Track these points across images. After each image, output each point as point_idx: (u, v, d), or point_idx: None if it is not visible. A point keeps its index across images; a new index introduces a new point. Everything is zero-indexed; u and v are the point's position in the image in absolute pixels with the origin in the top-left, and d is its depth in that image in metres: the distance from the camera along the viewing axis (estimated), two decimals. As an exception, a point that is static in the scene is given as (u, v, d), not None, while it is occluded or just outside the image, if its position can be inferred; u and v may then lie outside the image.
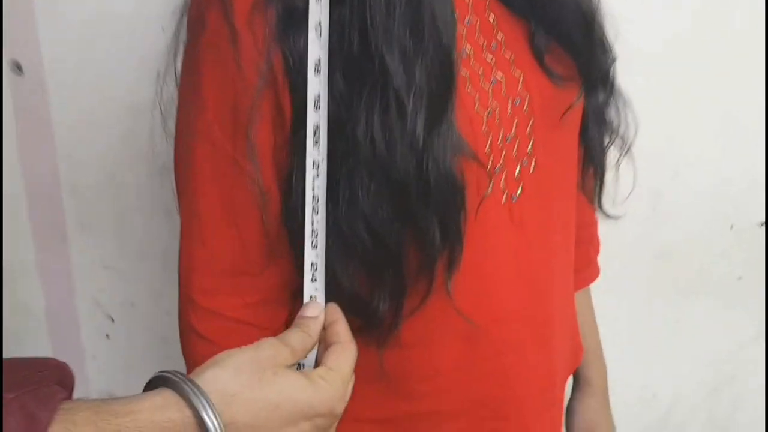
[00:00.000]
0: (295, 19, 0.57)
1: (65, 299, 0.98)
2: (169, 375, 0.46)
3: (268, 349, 0.50)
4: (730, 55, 1.00)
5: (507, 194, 0.65)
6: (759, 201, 1.08)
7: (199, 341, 0.64)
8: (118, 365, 1.03)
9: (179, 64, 0.65)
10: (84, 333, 0.99)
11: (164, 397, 0.45)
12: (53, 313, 0.99)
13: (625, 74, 0.75)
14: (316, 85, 0.56)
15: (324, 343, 0.56)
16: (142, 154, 0.90)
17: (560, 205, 0.73)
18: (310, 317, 0.56)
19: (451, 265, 0.60)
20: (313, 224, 0.56)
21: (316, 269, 0.57)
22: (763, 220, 1.08)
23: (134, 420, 0.43)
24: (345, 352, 0.54)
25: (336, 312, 0.57)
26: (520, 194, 0.66)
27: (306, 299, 0.58)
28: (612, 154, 0.77)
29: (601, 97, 0.73)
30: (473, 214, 0.61)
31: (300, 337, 0.53)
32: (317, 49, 0.56)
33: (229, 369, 0.48)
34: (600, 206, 0.79)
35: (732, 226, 1.08)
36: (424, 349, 0.66)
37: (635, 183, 0.90)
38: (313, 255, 0.57)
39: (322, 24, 0.55)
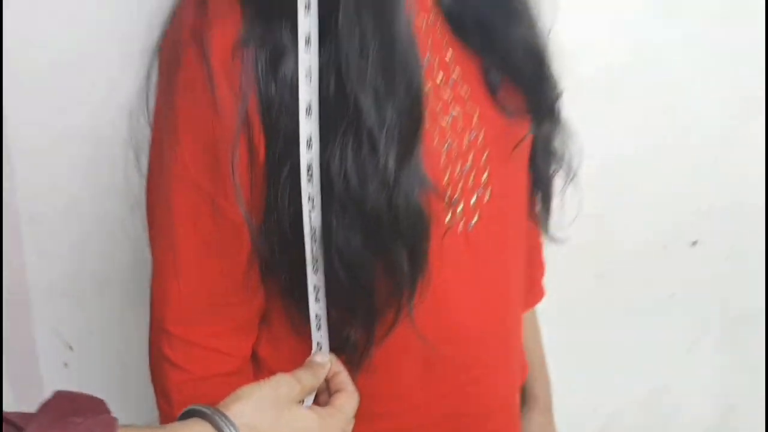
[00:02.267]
0: (271, 62, 0.60)
1: (23, 327, 0.98)
2: (203, 409, 0.53)
3: (285, 386, 0.58)
4: (666, 84, 1.08)
5: (464, 222, 0.70)
6: (690, 222, 1.15)
7: (171, 369, 0.67)
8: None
9: (151, 103, 0.67)
10: (42, 361, 0.99)
11: (202, 426, 0.52)
12: (10, 342, 0.98)
13: (570, 104, 0.81)
14: (308, 126, 0.60)
15: (329, 389, 0.64)
16: (103, 184, 0.91)
17: (513, 231, 0.78)
18: (319, 363, 0.63)
19: (416, 291, 0.64)
20: (313, 252, 0.62)
21: (320, 320, 0.64)
22: (695, 239, 1.16)
23: None
24: (350, 399, 0.63)
25: (339, 364, 0.65)
26: (476, 222, 0.71)
27: (314, 346, 0.65)
28: (558, 181, 0.83)
29: (548, 128, 0.78)
30: (437, 243, 0.65)
31: (311, 378, 0.62)
32: (307, 91, 0.60)
33: (251, 403, 0.55)
34: (546, 231, 0.84)
35: (665, 246, 1.15)
36: (387, 371, 0.70)
37: (580, 208, 0.96)
38: (317, 308, 0.64)
39: (312, 38, 0.59)
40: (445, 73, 0.70)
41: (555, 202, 0.83)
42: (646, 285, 1.17)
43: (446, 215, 0.68)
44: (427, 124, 0.66)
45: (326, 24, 0.59)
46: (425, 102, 0.63)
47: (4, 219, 0.93)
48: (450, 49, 0.72)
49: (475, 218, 0.70)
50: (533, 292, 0.93)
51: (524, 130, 0.73)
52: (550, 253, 0.92)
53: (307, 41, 0.59)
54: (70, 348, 1.01)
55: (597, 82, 1.04)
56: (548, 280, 0.94)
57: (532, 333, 0.94)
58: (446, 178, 0.68)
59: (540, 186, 0.81)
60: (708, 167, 1.12)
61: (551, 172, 0.81)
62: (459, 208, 0.69)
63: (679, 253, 1.16)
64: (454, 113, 0.69)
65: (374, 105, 0.60)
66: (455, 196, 0.69)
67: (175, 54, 0.62)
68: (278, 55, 0.60)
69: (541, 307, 0.93)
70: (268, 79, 0.60)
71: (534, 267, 0.91)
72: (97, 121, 0.88)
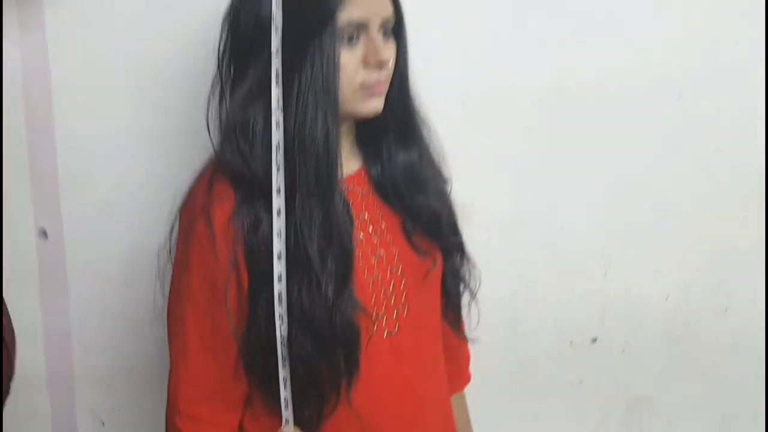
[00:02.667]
0: (253, 228, 0.88)
1: (66, 406, 1.27)
2: None
3: None
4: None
5: (387, 331, 0.96)
6: (592, 322, 1.39)
7: None
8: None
9: (172, 248, 0.98)
10: (80, 433, 1.27)
11: None
12: (54, 418, 1.26)
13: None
14: (278, 268, 0.87)
15: None
16: (137, 300, 1.21)
17: (428, 336, 1.04)
18: None
19: (351, 382, 0.91)
20: (282, 353, 0.88)
21: (287, 402, 0.90)
22: (595, 336, 1.40)
23: None
24: None
25: None
26: (397, 331, 0.97)
27: (284, 421, 0.90)
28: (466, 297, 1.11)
29: (454, 262, 1.07)
30: (366, 348, 0.92)
31: None
32: (278, 245, 0.87)
33: None
34: (458, 333, 1.11)
35: (571, 342, 1.40)
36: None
37: (494, 314, 1.25)
38: (285, 393, 0.90)
39: (281, 212, 0.87)
40: (375, 226, 0.98)
41: (464, 313, 1.10)
42: (557, 374, 1.39)
43: (373, 327, 0.94)
44: (360, 262, 0.93)
45: (288, 204, 0.88)
46: (354, 254, 0.91)
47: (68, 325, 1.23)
48: (378, 209, 1.00)
49: (396, 328, 0.97)
50: (461, 378, 1.19)
51: (430, 264, 1.02)
52: (474, 347, 1.17)
53: (278, 213, 0.88)
54: (102, 424, 1.28)
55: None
56: (475, 367, 1.18)
57: (461, 411, 1.19)
58: (372, 300, 0.94)
59: (450, 302, 1.08)
60: (600, 278, 1.39)
61: (459, 291, 1.09)
62: (383, 322, 0.96)
63: (583, 348, 1.39)
64: (381, 254, 0.97)
65: (318, 256, 0.88)
66: (380, 313, 0.95)
67: (190, 220, 0.92)
68: (258, 223, 0.88)
69: (470, 389, 1.18)
70: (251, 238, 0.88)
71: (459, 359, 1.18)
72: (134, 256, 1.19)
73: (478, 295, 1.13)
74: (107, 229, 1.21)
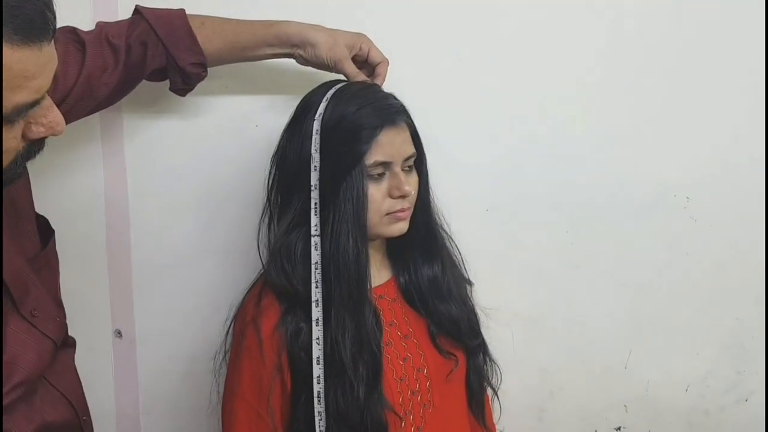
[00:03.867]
0: (295, 336, 1.02)
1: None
2: None
3: None
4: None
5: (415, 427, 1.08)
6: (616, 411, 1.46)
7: None
8: None
9: (227, 347, 1.12)
10: None
11: None
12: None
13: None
14: (317, 370, 1.01)
15: None
16: (195, 396, 1.36)
17: (453, 428, 1.15)
18: None
19: None
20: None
21: None
22: (619, 425, 1.47)
23: None
24: None
25: None
26: (424, 426, 1.09)
27: None
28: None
29: (476, 361, 1.19)
30: None
31: None
32: (317, 349, 1.01)
33: None
34: (484, 424, 1.22)
35: (595, 430, 1.48)
36: None
37: (520, 403, 1.35)
38: None
39: (319, 322, 1.02)
40: (403, 331, 1.11)
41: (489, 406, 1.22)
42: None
43: (401, 423, 1.06)
44: (388, 365, 1.06)
45: (325, 315, 1.03)
46: (382, 359, 1.04)
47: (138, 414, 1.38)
48: (406, 314, 1.14)
49: (423, 423, 1.09)
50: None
51: (453, 364, 1.14)
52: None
53: (317, 323, 1.03)
54: None
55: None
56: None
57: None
58: (400, 400, 1.07)
59: (473, 396, 1.20)
60: (621, 369, 1.48)
61: (482, 386, 1.21)
62: (411, 418, 1.07)
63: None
64: (408, 356, 1.10)
65: (351, 361, 1.01)
66: (407, 410, 1.07)
67: (242, 328, 1.07)
68: (299, 332, 1.03)
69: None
70: (293, 345, 1.02)
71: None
72: (196, 355, 1.35)
73: (503, 387, 1.25)
74: (173, 330, 1.37)
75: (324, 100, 1.04)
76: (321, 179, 1.03)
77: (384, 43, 1.18)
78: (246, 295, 1.11)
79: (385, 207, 1.05)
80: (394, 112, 1.04)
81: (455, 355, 1.15)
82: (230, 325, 1.11)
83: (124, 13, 1.17)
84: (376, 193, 1.04)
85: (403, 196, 1.05)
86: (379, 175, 1.04)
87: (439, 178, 1.16)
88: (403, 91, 1.10)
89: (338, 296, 1.02)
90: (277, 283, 1.05)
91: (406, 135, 1.06)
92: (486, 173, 1.36)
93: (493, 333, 1.29)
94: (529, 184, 1.38)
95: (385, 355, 1.08)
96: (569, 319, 1.43)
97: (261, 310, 1.05)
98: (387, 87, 1.13)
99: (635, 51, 1.33)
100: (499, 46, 1.33)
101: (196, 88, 1.19)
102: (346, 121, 1.02)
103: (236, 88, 1.31)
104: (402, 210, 1.06)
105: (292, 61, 1.17)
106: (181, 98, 1.22)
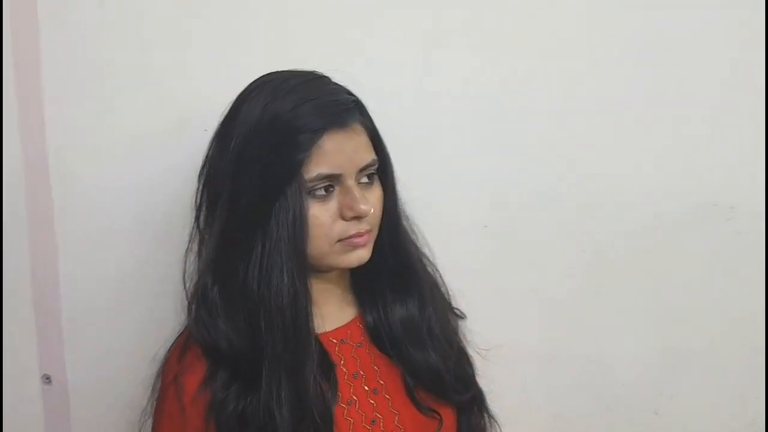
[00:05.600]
0: (221, 401, 0.82)
1: None
2: None
3: None
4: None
5: None
6: None
7: None
8: None
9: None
10: None
11: None
12: None
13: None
14: None
15: None
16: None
17: None
18: None
19: None
20: None
21: None
22: None
23: None
24: None
25: None
26: None
27: None
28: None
29: (469, 418, 0.98)
30: None
31: None
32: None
33: None
34: None
35: None
36: None
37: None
38: None
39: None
40: (371, 384, 0.90)
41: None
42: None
43: None
44: (351, 430, 0.86)
45: (255, 376, 0.82)
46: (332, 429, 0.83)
47: None
48: (376, 361, 0.92)
49: None
50: None
51: (436, 425, 0.92)
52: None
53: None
54: None
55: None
56: None
57: None
58: None
59: None
60: (651, 415, 1.25)
61: None
62: None
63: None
64: (378, 417, 0.89)
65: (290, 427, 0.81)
66: None
67: (163, 387, 0.87)
68: (226, 397, 0.82)
69: None
70: (219, 412, 0.82)
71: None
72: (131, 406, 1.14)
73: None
74: (107, 375, 1.18)
75: (256, 94, 0.82)
76: (245, 196, 0.81)
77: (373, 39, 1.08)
78: (172, 345, 0.92)
79: (336, 232, 0.83)
80: (342, 111, 0.82)
81: (439, 414, 0.93)
82: (156, 379, 0.92)
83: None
84: (321, 214, 0.82)
85: (358, 217, 0.83)
86: (326, 190, 0.82)
87: (427, 189, 1.03)
88: (389, 90, 0.98)
89: (270, 350, 0.81)
90: (196, 336, 0.85)
91: (361, 139, 0.84)
92: (485, 183, 1.16)
93: (496, 375, 1.09)
94: (536, 196, 1.17)
95: (346, 418, 0.88)
96: (588, 356, 1.22)
97: (184, 368, 0.86)
98: (374, 87, 0.92)
99: (664, 52, 1.13)
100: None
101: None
102: (279, 122, 0.79)
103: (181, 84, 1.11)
104: (359, 234, 0.84)
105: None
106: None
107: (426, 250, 1.00)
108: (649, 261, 1.18)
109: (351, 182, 0.82)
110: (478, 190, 1.16)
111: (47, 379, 1.17)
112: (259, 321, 0.81)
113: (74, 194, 1.14)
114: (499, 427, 1.02)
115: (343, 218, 0.83)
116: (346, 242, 0.84)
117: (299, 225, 0.80)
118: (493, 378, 1.06)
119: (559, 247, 1.18)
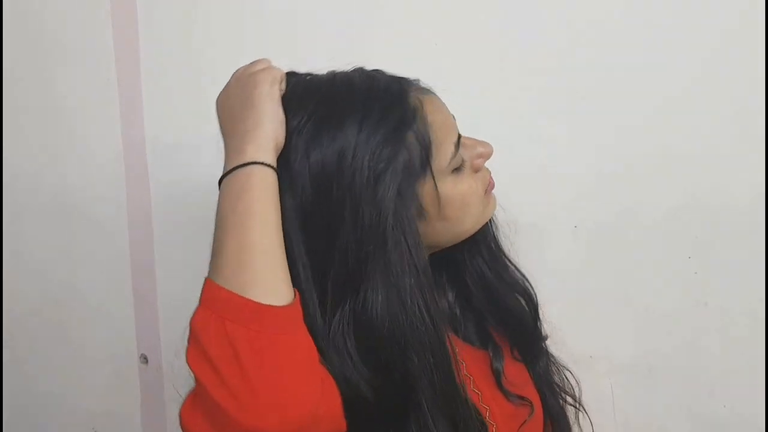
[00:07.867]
0: None
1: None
2: None
3: None
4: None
5: None
6: None
7: None
8: None
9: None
10: None
11: None
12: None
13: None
14: None
15: None
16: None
17: None
18: None
19: None
20: None
21: None
22: None
23: None
24: None
25: None
26: None
27: None
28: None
29: (542, 366, 0.93)
30: None
31: None
32: None
33: None
34: None
35: None
36: None
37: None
38: None
39: None
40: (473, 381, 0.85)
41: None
42: None
43: None
44: None
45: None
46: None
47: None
48: (463, 360, 0.85)
49: None
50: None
51: (526, 413, 0.86)
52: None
53: None
54: None
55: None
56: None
57: None
58: None
59: (557, 420, 0.93)
60: None
61: (561, 404, 0.95)
62: None
63: None
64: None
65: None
66: None
67: None
68: None
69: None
70: None
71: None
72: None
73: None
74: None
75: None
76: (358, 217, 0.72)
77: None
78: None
79: (482, 188, 0.81)
80: (410, 83, 0.78)
81: (529, 400, 0.87)
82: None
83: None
84: (474, 182, 0.79)
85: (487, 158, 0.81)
86: (456, 169, 0.78)
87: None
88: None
89: (424, 391, 0.72)
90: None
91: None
92: (574, 180, 1.09)
93: (588, 387, 1.03)
94: (633, 194, 1.08)
95: None
96: (689, 368, 1.12)
97: None
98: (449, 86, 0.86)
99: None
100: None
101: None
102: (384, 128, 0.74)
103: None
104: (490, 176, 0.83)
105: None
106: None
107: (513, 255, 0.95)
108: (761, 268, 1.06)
109: (463, 140, 0.79)
110: (567, 187, 1.10)
111: (144, 358, 1.23)
112: (405, 360, 0.71)
113: (170, 188, 1.18)
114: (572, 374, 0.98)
115: (478, 169, 0.80)
116: (488, 188, 0.82)
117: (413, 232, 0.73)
118: (582, 392, 1.01)
119: (661, 249, 1.09)
